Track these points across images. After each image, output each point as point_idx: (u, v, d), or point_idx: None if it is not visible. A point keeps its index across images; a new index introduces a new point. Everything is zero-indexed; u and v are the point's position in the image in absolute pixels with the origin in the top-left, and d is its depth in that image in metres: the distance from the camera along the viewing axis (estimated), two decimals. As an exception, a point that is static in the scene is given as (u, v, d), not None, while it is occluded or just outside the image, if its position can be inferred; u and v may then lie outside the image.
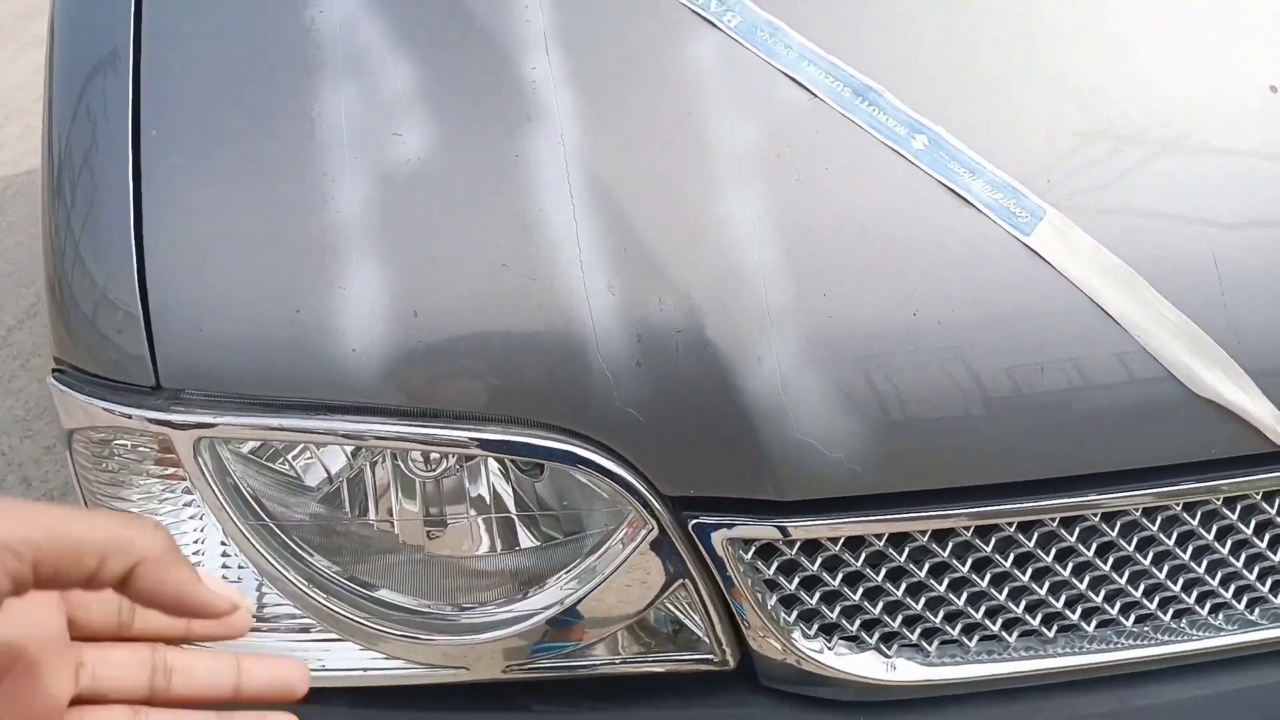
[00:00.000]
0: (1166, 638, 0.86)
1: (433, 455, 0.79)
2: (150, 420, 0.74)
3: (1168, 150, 0.78)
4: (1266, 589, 0.86)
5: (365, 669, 0.84)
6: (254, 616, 0.83)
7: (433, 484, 0.82)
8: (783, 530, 0.76)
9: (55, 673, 0.39)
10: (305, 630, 0.83)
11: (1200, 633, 0.86)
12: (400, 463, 0.80)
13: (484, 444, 0.74)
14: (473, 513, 0.82)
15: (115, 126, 0.78)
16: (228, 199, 0.76)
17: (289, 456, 0.81)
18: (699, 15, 0.81)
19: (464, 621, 0.83)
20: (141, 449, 0.78)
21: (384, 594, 0.83)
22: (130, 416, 0.75)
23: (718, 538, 0.77)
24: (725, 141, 0.77)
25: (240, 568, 0.82)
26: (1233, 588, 0.86)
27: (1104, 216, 0.76)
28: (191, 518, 0.80)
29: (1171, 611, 0.86)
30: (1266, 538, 0.84)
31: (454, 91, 0.79)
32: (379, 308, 0.73)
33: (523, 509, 0.84)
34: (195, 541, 0.80)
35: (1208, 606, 0.86)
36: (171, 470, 0.78)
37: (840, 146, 0.77)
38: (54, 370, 0.79)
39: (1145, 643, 0.85)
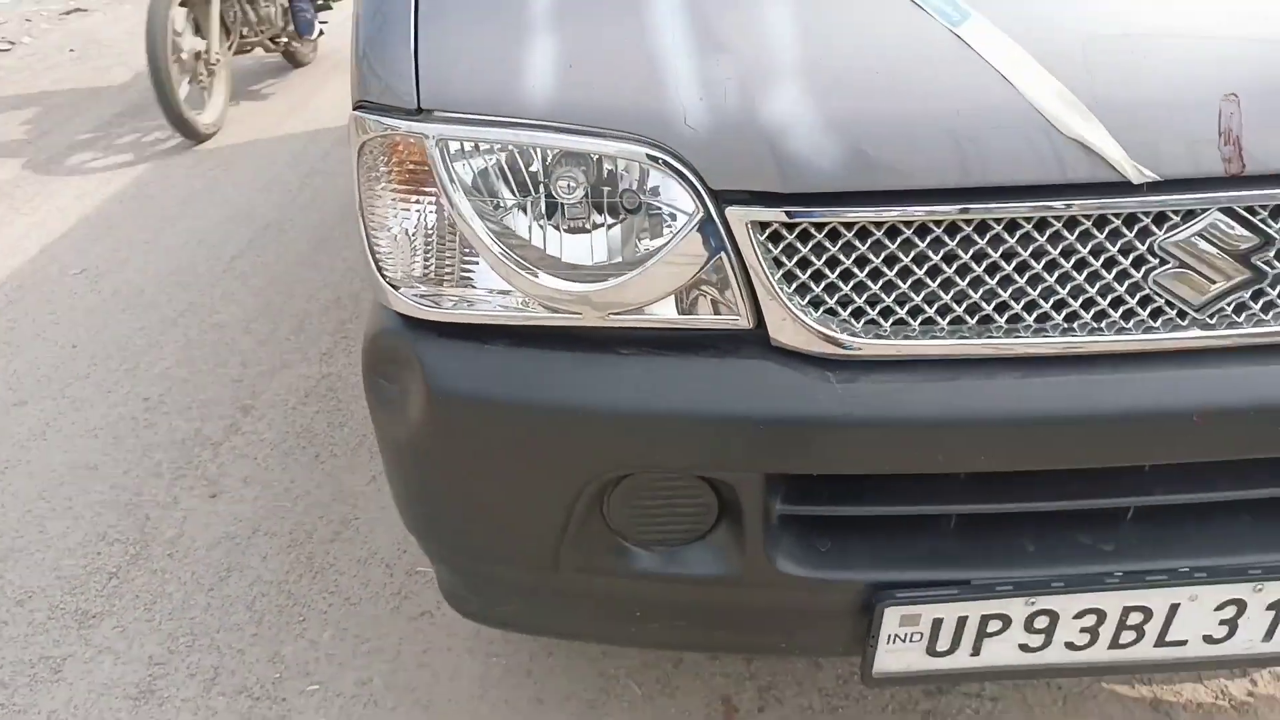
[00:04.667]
0: (1056, 335, 1.24)
1: (572, 183, 1.26)
2: (412, 130, 1.25)
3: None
4: (1135, 302, 1.23)
5: (517, 309, 1.31)
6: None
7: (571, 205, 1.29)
8: (787, 214, 1.19)
9: None
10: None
11: (1085, 335, 1.24)
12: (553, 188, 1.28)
13: (596, 147, 1.22)
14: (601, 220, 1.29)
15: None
16: None
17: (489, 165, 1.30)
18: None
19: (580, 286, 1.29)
20: (405, 158, 1.28)
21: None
22: (399, 128, 1.26)
23: (743, 219, 1.21)
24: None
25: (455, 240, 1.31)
26: (1110, 299, 1.23)
27: (1013, 21, 1.18)
28: (430, 208, 1.30)
29: (1063, 314, 1.24)
30: (1131, 258, 1.21)
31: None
32: (547, 61, 1.22)
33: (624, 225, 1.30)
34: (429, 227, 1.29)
35: (1092, 313, 1.24)
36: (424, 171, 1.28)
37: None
38: (355, 107, 1.31)
39: (1039, 337, 1.23)
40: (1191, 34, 1.21)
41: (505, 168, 1.27)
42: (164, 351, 3.38)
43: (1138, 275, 1.22)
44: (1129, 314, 1.24)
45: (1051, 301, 1.24)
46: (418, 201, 1.30)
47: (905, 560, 1.38)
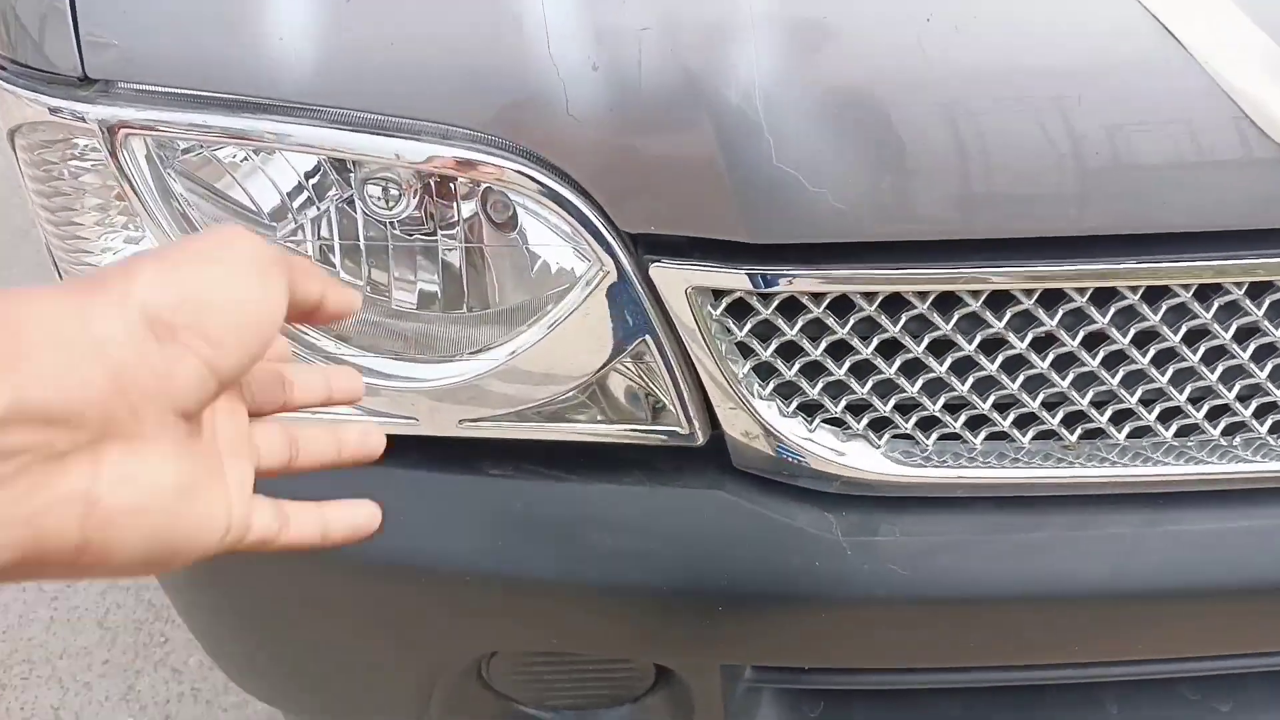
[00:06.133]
0: (1211, 456, 0.74)
1: (391, 191, 0.72)
2: (74, 113, 0.69)
3: None
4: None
5: (315, 412, 0.79)
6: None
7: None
8: (755, 280, 0.66)
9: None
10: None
11: (1254, 455, 0.74)
12: (359, 199, 0.73)
13: (421, 161, 0.66)
14: (437, 263, 0.75)
15: None
16: None
17: (236, 175, 0.75)
18: None
19: (412, 372, 0.76)
20: (78, 154, 0.73)
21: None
22: (58, 110, 0.69)
23: (681, 285, 0.68)
24: None
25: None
26: (1304, 405, 0.73)
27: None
28: (127, 242, 0.75)
29: (1223, 425, 0.73)
30: (1354, 345, 0.70)
31: None
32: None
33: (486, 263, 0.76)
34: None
35: (1268, 423, 0.73)
36: (112, 181, 0.73)
37: None
38: (-5, 66, 0.74)
39: (1184, 459, 0.73)
40: None
41: (239, 179, 0.72)
42: None
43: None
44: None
45: (1204, 409, 0.73)
46: (124, 226, 0.76)
47: (931, 729, 0.93)
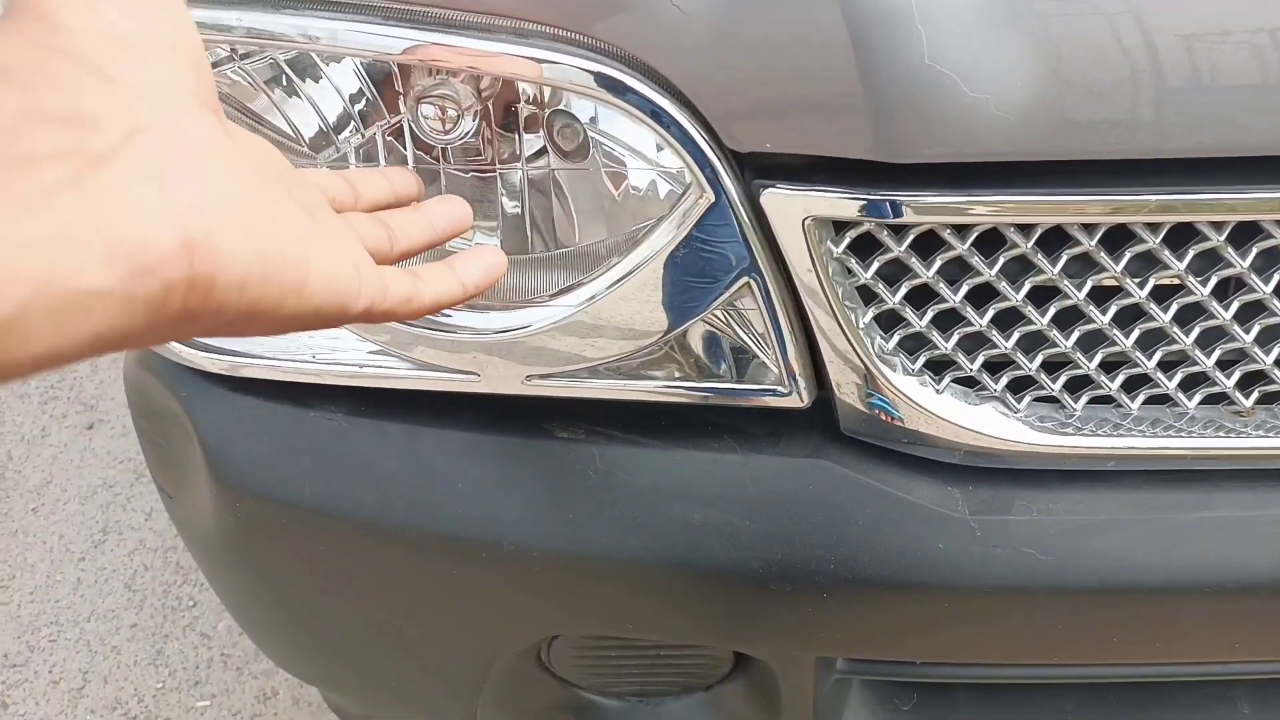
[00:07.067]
0: None
1: (449, 111, 0.61)
2: None
3: None
4: None
5: (364, 365, 0.69)
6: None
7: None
8: (892, 208, 0.55)
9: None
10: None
11: None
12: (412, 121, 0.62)
13: (490, 63, 0.55)
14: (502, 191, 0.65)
15: None
16: None
17: (273, 96, 0.64)
18: None
19: (473, 321, 0.66)
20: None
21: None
22: None
23: (798, 216, 0.56)
24: None
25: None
26: None
27: None
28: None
29: None
30: None
31: None
32: None
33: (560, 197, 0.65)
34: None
35: None
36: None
37: None
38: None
39: (1387, 429, 0.62)
40: None
41: (275, 101, 0.62)
42: None
43: None
44: None
45: None
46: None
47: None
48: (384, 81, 0.61)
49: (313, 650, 0.89)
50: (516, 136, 0.61)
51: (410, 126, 0.60)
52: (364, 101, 0.62)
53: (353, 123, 0.63)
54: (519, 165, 0.62)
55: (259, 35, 0.57)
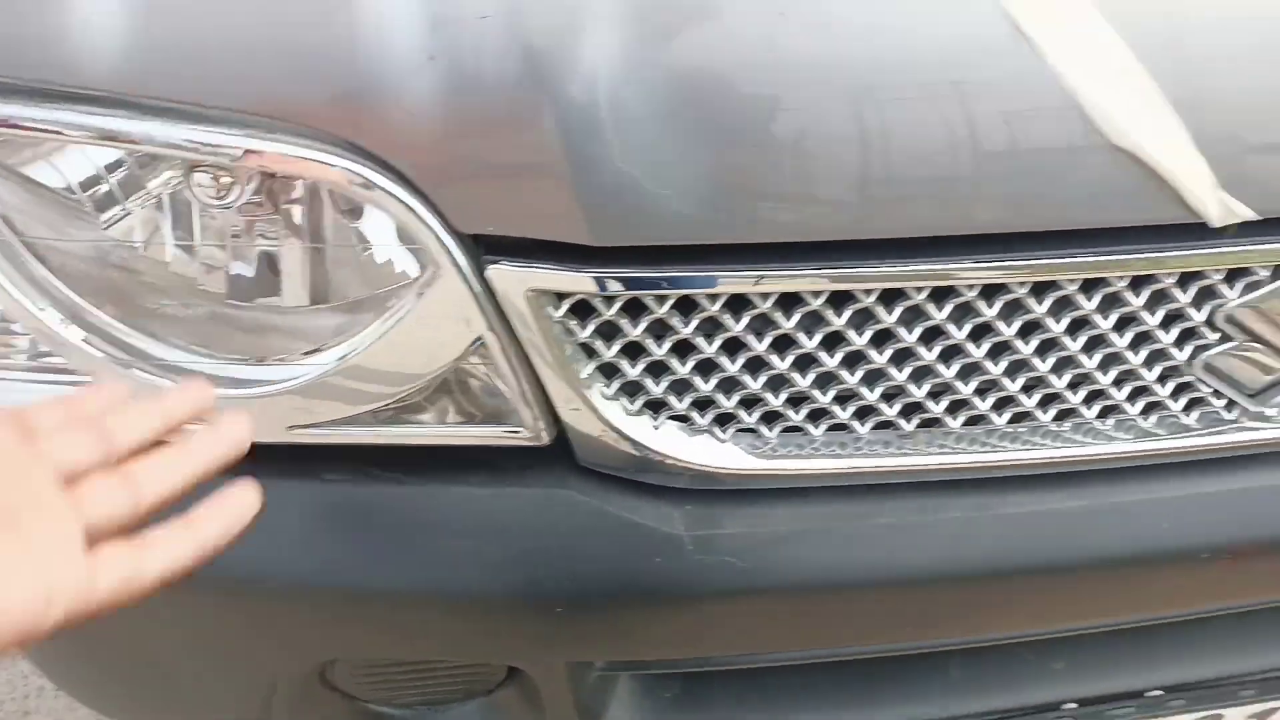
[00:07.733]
0: (1044, 441, 0.76)
1: (222, 179, 0.65)
2: None
3: None
4: (1167, 393, 0.76)
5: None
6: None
7: (222, 217, 0.68)
8: (599, 282, 0.64)
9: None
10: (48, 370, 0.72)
11: (1085, 438, 0.77)
12: (187, 188, 0.66)
13: (239, 156, 0.61)
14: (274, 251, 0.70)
15: None
16: None
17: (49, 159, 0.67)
18: None
19: (237, 374, 0.71)
20: None
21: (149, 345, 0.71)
22: None
23: (520, 288, 0.65)
24: None
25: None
26: (1128, 389, 0.76)
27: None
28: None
29: (1054, 411, 0.76)
30: (1175, 332, 0.73)
31: None
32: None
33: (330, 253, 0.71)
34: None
35: (1096, 409, 0.76)
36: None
37: None
38: None
39: (1018, 445, 0.76)
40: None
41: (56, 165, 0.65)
42: None
43: (1181, 357, 0.74)
44: (1151, 407, 0.77)
45: (1037, 398, 0.75)
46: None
47: (790, 701, 0.96)
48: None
49: (107, 683, 0.92)
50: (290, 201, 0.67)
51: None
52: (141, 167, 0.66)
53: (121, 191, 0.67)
54: (280, 232, 0.68)
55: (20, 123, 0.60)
